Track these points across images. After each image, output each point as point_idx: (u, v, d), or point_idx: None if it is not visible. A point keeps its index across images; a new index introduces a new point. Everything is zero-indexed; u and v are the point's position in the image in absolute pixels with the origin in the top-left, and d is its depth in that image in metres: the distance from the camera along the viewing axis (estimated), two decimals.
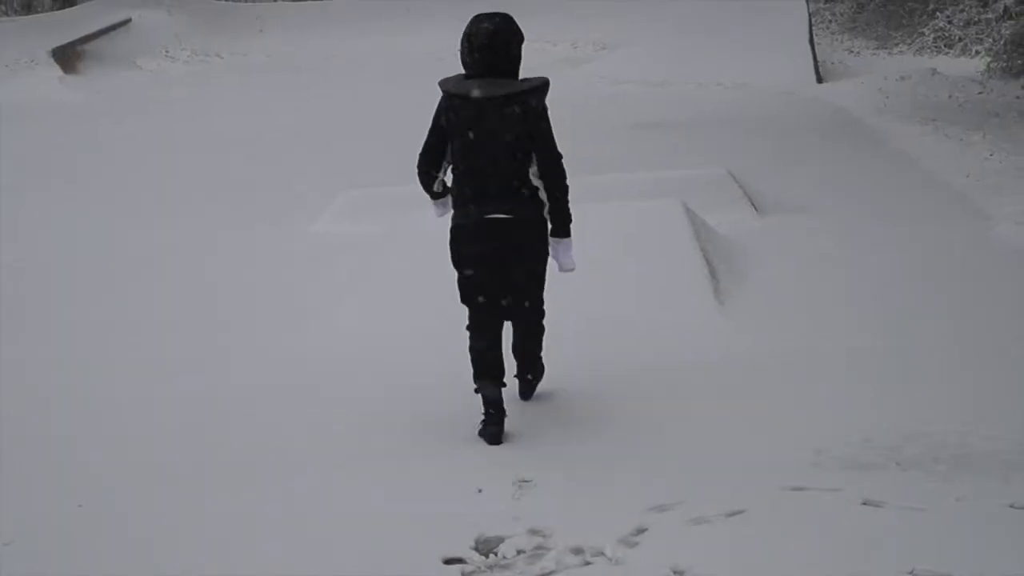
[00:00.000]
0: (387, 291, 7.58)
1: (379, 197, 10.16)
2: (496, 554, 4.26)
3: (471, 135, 5.34)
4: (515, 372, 5.85)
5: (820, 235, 9.21)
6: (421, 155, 5.57)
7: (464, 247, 5.49)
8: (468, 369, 5.55)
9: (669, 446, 5.19)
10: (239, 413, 6.03)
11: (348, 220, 9.89)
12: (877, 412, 5.48)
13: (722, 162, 11.25)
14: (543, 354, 5.88)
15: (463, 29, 5.35)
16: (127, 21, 25.65)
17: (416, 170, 5.60)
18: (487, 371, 5.48)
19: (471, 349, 5.53)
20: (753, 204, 10.02)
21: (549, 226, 5.51)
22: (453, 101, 5.38)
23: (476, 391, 5.51)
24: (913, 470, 4.80)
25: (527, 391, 5.88)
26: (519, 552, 4.26)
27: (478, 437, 5.42)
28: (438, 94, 5.45)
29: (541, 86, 5.39)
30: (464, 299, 5.55)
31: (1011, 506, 4.40)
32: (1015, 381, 5.93)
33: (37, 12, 29.61)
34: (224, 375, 6.66)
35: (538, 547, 4.29)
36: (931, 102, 16.01)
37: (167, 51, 24.91)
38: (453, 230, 5.53)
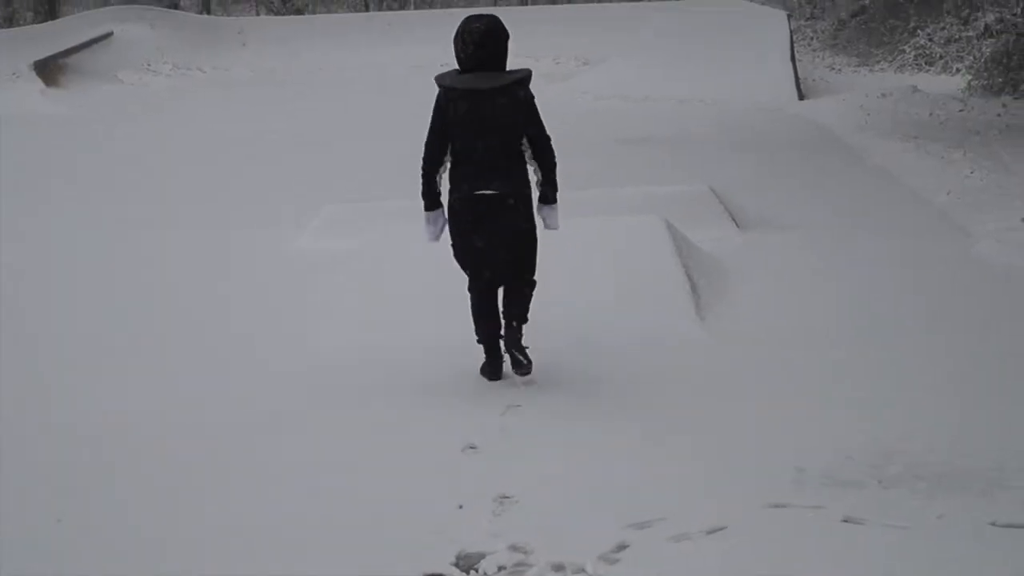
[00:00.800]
0: (377, 303, 7.56)
1: (363, 212, 10.14)
2: (477, 570, 4.26)
3: (469, 124, 5.89)
4: (504, 351, 6.26)
5: (801, 251, 9.24)
6: (427, 151, 6.05)
7: (459, 222, 6.03)
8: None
9: (649, 462, 5.18)
10: (237, 414, 6.04)
11: (332, 234, 9.84)
12: (859, 429, 5.48)
13: (704, 178, 11.29)
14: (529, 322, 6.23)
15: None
16: (109, 35, 25.62)
17: (420, 170, 6.04)
18: (486, 328, 6.24)
19: (472, 308, 6.25)
20: (735, 220, 10.05)
21: (536, 196, 6.13)
22: (451, 94, 5.92)
23: (478, 342, 6.30)
24: (895, 487, 4.80)
25: (520, 361, 6.14)
26: (500, 568, 4.26)
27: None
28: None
29: (527, 76, 6.02)
30: (463, 267, 6.16)
31: (993, 524, 4.40)
32: (996, 398, 5.94)
33: (19, 25, 29.56)
34: (223, 377, 6.67)
35: (519, 563, 4.28)
36: (912, 119, 16.08)
37: (149, 65, 24.88)
38: (448, 208, 6.09)
